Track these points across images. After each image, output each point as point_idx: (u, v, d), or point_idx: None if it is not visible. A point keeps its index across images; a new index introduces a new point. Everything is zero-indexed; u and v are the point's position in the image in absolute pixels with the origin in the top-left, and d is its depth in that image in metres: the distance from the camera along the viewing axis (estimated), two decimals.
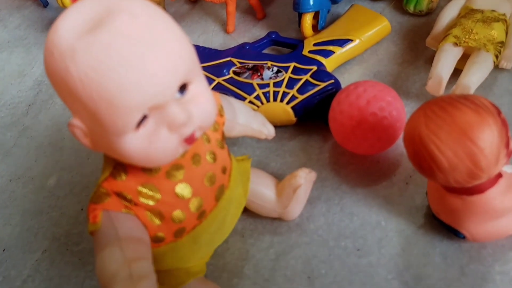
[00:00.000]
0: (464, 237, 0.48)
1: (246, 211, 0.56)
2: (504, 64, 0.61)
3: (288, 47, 0.75)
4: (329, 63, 0.68)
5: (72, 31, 0.34)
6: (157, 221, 0.43)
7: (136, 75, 0.33)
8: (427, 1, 0.72)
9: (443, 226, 0.50)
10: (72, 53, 0.33)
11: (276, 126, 0.64)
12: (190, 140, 0.39)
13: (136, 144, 0.36)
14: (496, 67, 0.62)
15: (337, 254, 0.53)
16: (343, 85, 0.66)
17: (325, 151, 0.62)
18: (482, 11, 0.63)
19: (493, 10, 0.62)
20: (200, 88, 0.39)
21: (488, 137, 0.39)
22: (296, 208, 0.55)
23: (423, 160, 0.41)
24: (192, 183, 0.44)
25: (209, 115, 0.40)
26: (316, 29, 0.74)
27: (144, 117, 0.36)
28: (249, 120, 0.56)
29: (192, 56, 0.38)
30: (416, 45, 0.70)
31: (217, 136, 0.48)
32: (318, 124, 0.64)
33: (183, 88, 0.38)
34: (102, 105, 0.34)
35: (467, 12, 0.64)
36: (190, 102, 0.38)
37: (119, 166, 0.41)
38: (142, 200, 0.42)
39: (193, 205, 0.44)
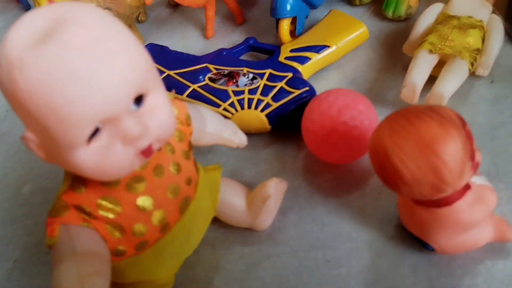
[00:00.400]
0: (433, 250, 0.47)
1: (218, 220, 0.55)
2: (480, 71, 0.60)
3: (266, 53, 0.74)
4: (306, 70, 0.67)
5: (22, 41, 0.33)
6: (117, 235, 0.42)
7: (85, 88, 0.32)
8: (405, 6, 0.71)
9: (413, 238, 0.49)
10: (20, 65, 0.32)
11: (251, 134, 0.64)
12: (147, 152, 0.38)
13: (89, 158, 0.35)
14: (473, 74, 0.61)
15: (307, 265, 0.52)
16: (319, 92, 0.65)
17: (300, 159, 0.61)
18: (458, 18, 0.62)
19: (470, 17, 0.62)
20: (158, 100, 0.38)
21: (452, 151, 0.38)
22: (266, 219, 0.54)
23: (387, 173, 0.41)
24: (154, 195, 0.43)
25: (167, 127, 0.39)
26: (294, 34, 0.73)
27: (97, 130, 0.35)
28: (220, 128, 0.55)
29: (148, 68, 0.37)
30: (394, 51, 0.69)
31: (183, 147, 0.47)
32: (293, 132, 0.63)
33: (139, 99, 0.37)
34: (51, 119, 0.33)
35: (444, 19, 0.63)
36: (146, 114, 0.37)
37: (78, 178, 0.40)
38: (102, 213, 0.41)
39: (156, 217, 0.43)
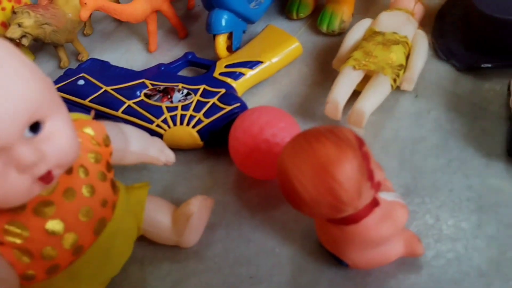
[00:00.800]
0: (347, 265, 0.48)
1: (147, 238, 0.55)
2: (405, 86, 0.62)
3: (204, 68, 0.75)
4: (240, 86, 0.68)
5: None
6: (26, 259, 0.42)
7: None
8: (339, 21, 0.73)
9: (329, 254, 0.50)
10: None
11: (185, 149, 0.64)
12: (46, 179, 0.38)
13: None
14: (398, 88, 0.63)
15: (231, 282, 0.52)
16: (251, 107, 0.67)
17: (231, 174, 0.62)
18: (383, 34, 0.64)
19: (394, 33, 0.63)
20: (58, 126, 0.38)
21: (347, 172, 0.39)
22: (191, 236, 0.54)
23: (289, 193, 0.41)
24: (65, 218, 0.43)
25: (67, 152, 0.39)
26: (231, 49, 0.74)
27: None
28: (145, 147, 0.55)
29: (45, 94, 0.37)
30: (327, 66, 0.70)
31: (99, 168, 0.47)
32: (226, 147, 0.63)
33: (35, 126, 0.37)
34: None
35: (370, 35, 0.65)
36: (44, 141, 0.37)
37: None
38: (9, 238, 0.41)
39: (67, 241, 0.43)
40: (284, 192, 0.42)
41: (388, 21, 0.65)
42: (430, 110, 0.61)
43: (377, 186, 0.42)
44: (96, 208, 0.46)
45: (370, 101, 0.58)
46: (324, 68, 0.70)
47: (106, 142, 0.49)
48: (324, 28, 0.74)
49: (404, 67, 0.62)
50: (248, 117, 0.56)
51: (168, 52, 0.82)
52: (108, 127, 0.50)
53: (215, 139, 0.63)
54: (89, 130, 0.48)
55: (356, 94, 0.61)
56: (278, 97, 0.69)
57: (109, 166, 0.49)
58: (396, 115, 0.62)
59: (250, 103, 0.68)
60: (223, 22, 0.71)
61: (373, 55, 0.61)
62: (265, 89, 0.71)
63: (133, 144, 0.53)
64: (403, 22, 0.65)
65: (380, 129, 0.61)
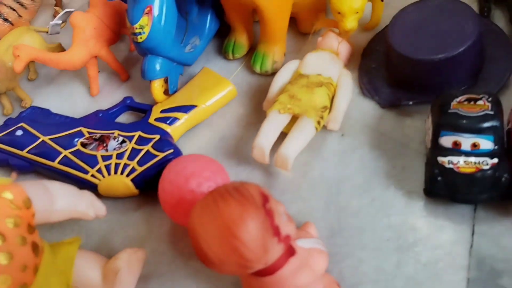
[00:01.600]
0: None
1: None
2: (331, 125, 0.64)
3: (143, 112, 0.76)
4: (175, 131, 0.69)
5: None
6: None
7: None
8: (271, 61, 0.74)
9: None
10: None
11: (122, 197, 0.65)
12: None
13: None
14: (325, 128, 0.64)
15: None
16: (188, 152, 0.68)
17: (166, 223, 0.63)
18: (307, 76, 0.65)
19: (318, 75, 0.65)
20: None
21: (250, 231, 0.40)
22: None
23: (198, 252, 0.42)
24: None
25: None
26: (168, 93, 0.75)
27: None
28: (74, 202, 0.55)
29: None
30: (261, 106, 0.72)
31: (19, 232, 0.47)
32: None
33: None
34: None
35: (296, 77, 0.66)
36: None
37: None
38: None
39: None
40: (195, 251, 0.43)
41: (313, 63, 0.67)
42: (355, 148, 0.63)
43: (286, 240, 0.43)
44: (14, 274, 0.46)
45: (294, 145, 0.59)
46: (259, 108, 0.72)
47: (27, 204, 0.49)
48: (257, 69, 0.75)
49: (328, 108, 0.63)
50: (174, 167, 0.57)
51: (110, 95, 0.83)
52: (31, 188, 0.51)
53: (150, 186, 0.64)
54: (7, 194, 0.48)
55: (285, 135, 0.62)
56: (214, 140, 0.70)
57: (31, 228, 0.49)
58: (324, 154, 0.64)
59: (186, 148, 0.70)
60: (157, 68, 0.72)
61: (297, 98, 0.63)
62: (201, 132, 0.72)
63: (60, 201, 0.53)
64: (327, 63, 0.67)
65: (308, 169, 0.63)
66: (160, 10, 0.68)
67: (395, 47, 0.62)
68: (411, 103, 0.63)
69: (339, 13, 0.68)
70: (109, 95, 0.83)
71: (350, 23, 0.68)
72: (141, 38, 0.68)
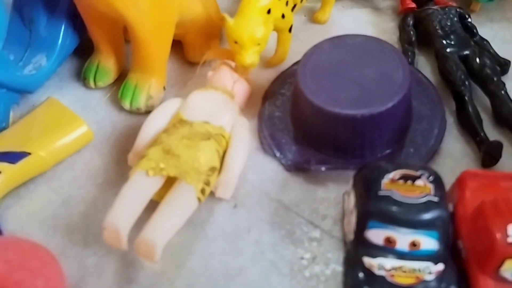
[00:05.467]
0: None
1: None
2: (221, 193, 0.47)
3: None
4: None
5: None
6: None
7: None
8: (145, 96, 0.56)
9: None
10: None
11: None
12: None
13: None
14: (213, 195, 0.47)
15: None
16: (12, 222, 0.46)
17: None
18: (191, 124, 0.48)
19: (205, 122, 0.48)
20: None
21: None
22: None
23: None
24: None
25: None
26: None
27: None
28: None
29: None
30: (127, 157, 0.53)
31: None
32: None
33: None
34: None
35: (175, 124, 0.48)
36: None
37: None
38: None
39: None
40: None
41: (199, 105, 0.50)
42: (251, 227, 0.47)
43: None
44: None
45: (164, 226, 0.41)
46: (124, 160, 0.52)
47: None
48: (126, 105, 0.56)
49: (217, 169, 0.47)
50: None
51: None
52: None
53: None
54: None
55: (155, 204, 0.44)
56: (54, 204, 0.49)
57: None
58: (209, 234, 0.46)
59: (10, 215, 0.48)
60: None
61: (175, 155, 0.45)
62: (37, 189, 0.51)
63: None
64: (218, 107, 0.50)
65: (186, 257, 0.45)
66: None
67: (306, 94, 0.47)
68: (323, 168, 0.48)
69: (236, 42, 0.52)
70: None
71: (250, 57, 0.52)
72: None
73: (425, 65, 0.60)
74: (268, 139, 0.52)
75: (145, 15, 0.51)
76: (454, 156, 0.50)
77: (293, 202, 0.48)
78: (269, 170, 0.51)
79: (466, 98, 0.52)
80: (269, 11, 0.53)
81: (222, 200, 0.48)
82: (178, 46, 0.62)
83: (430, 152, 0.49)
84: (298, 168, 0.50)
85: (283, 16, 0.55)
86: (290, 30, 0.58)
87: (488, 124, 0.53)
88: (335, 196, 0.48)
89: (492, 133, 0.52)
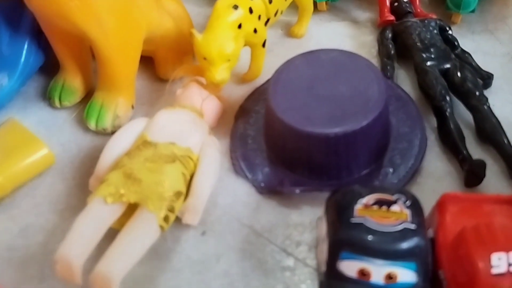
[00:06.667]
0: None
1: None
2: (188, 218, 0.44)
3: None
4: None
5: None
6: None
7: None
8: (111, 116, 0.53)
9: None
10: None
11: None
12: None
13: None
14: (180, 221, 0.44)
15: None
16: None
17: None
18: (155, 145, 0.45)
19: (171, 143, 0.45)
20: None
21: None
22: None
23: None
24: None
25: None
26: None
27: None
28: None
29: None
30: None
31: None
32: None
33: None
34: None
35: (138, 145, 0.46)
36: None
37: None
38: None
39: None
40: None
41: (165, 125, 0.47)
42: (220, 256, 0.43)
43: None
44: None
45: (122, 258, 0.38)
46: (88, 184, 0.49)
47: None
48: (92, 125, 0.53)
49: (183, 194, 0.43)
50: None
51: None
52: None
53: None
54: None
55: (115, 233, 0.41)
56: (10, 232, 0.46)
57: None
58: (174, 264, 0.43)
59: None
60: None
61: (136, 179, 0.42)
62: None
63: None
64: (186, 127, 0.47)
65: None
66: None
67: (277, 113, 0.45)
68: (297, 191, 0.45)
69: (205, 59, 0.49)
70: None
71: (220, 73, 0.49)
72: None
73: (405, 80, 0.57)
74: (240, 160, 0.49)
75: (109, 32, 0.49)
76: (436, 176, 0.48)
77: (266, 227, 0.45)
78: (241, 193, 0.48)
79: (447, 114, 0.50)
80: (240, 26, 0.51)
81: (190, 227, 0.45)
82: (149, 62, 0.60)
83: (410, 172, 0.46)
84: (271, 190, 0.47)
85: (255, 30, 0.53)
86: (263, 45, 0.56)
87: (472, 140, 0.50)
88: (310, 220, 0.45)
89: (476, 150, 0.50)
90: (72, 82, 0.57)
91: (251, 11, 0.52)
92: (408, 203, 0.36)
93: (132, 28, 0.51)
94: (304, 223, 0.45)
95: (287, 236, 0.45)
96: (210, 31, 0.50)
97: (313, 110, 0.45)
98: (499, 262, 0.33)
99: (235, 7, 0.50)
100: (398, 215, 0.35)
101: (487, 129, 0.49)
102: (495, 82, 0.55)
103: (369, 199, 0.36)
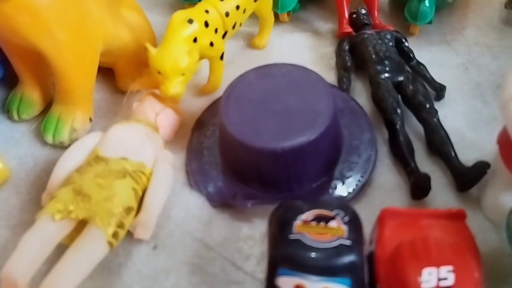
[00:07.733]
0: None
1: None
2: (140, 233, 0.44)
3: None
4: None
5: None
6: None
7: None
8: (68, 129, 0.53)
9: None
10: None
11: None
12: None
13: None
14: (132, 235, 0.45)
15: None
16: None
17: None
18: (106, 161, 0.45)
19: (123, 159, 0.45)
20: None
21: None
22: None
23: None
24: None
25: None
26: None
27: None
28: None
29: None
30: None
31: None
32: None
33: None
34: None
35: (89, 161, 0.46)
36: None
37: None
38: None
39: None
40: None
41: (117, 140, 0.47)
42: (170, 270, 0.44)
43: None
44: None
45: (67, 276, 0.38)
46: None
47: None
48: (49, 138, 0.53)
49: (134, 210, 0.44)
50: None
51: None
52: None
53: None
54: None
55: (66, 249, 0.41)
56: None
57: None
58: (125, 279, 0.43)
59: None
60: None
61: (86, 195, 0.42)
62: None
63: None
64: (138, 142, 0.47)
65: None
66: None
67: (227, 127, 0.45)
68: (249, 205, 0.46)
69: (159, 73, 0.50)
70: None
71: (175, 87, 0.50)
72: None
73: (361, 92, 0.58)
74: (195, 173, 0.50)
75: (63, 46, 0.49)
76: (386, 188, 0.49)
77: (217, 241, 0.46)
78: (194, 207, 0.49)
79: (397, 126, 0.51)
80: (195, 40, 0.51)
81: (142, 241, 0.46)
82: (110, 73, 0.60)
83: (359, 185, 0.47)
84: (224, 203, 0.48)
85: (211, 44, 0.53)
86: (221, 57, 0.56)
87: (422, 152, 0.51)
88: (260, 233, 0.45)
89: (426, 162, 0.50)
90: (30, 95, 0.57)
91: (206, 24, 0.52)
92: (346, 218, 0.37)
93: (86, 42, 0.51)
94: (254, 237, 0.46)
95: (237, 249, 0.45)
96: (165, 45, 0.50)
97: (263, 124, 0.45)
98: (429, 277, 0.33)
99: (190, 21, 0.51)
100: (335, 231, 0.36)
101: (436, 141, 0.50)
102: (449, 94, 0.56)
103: (308, 215, 0.37)
